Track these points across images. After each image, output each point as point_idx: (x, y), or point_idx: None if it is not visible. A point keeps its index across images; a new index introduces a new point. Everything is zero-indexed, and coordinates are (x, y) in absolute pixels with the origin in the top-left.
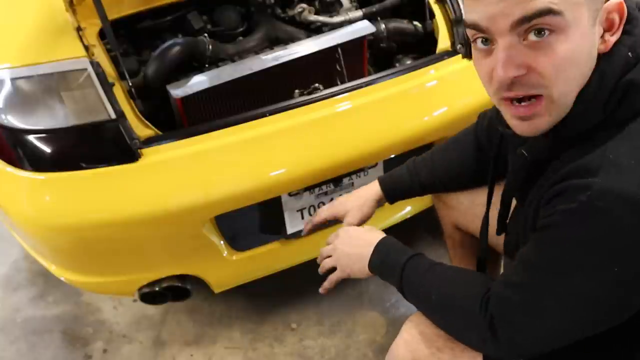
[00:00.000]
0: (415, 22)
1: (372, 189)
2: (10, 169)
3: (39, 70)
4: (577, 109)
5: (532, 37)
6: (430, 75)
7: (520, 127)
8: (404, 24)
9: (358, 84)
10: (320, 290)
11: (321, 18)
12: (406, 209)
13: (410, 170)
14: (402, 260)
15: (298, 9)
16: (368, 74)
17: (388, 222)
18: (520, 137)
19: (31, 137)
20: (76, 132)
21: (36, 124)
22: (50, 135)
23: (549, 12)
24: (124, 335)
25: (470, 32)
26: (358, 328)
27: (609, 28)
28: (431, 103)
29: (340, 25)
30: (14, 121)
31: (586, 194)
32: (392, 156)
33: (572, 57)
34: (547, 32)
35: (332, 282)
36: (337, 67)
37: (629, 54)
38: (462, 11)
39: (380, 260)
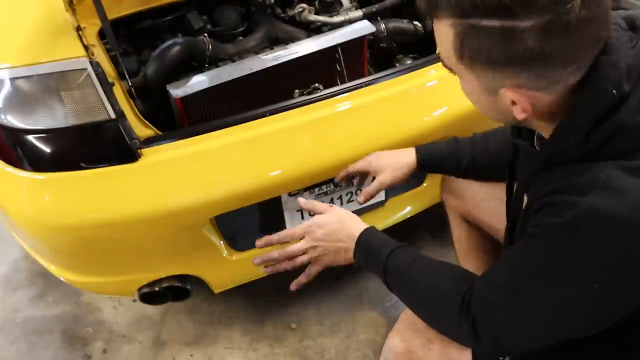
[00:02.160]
0: (415, 22)
1: (408, 155)
2: (10, 169)
3: (38, 70)
4: (552, 139)
5: None
6: (430, 75)
7: None
8: (404, 24)
9: (358, 84)
10: (293, 286)
11: (321, 18)
12: (406, 209)
13: (450, 146)
14: (382, 257)
15: (298, 8)
16: (368, 74)
17: (388, 222)
18: (526, 148)
19: (31, 137)
20: (76, 132)
21: (36, 124)
22: (50, 135)
23: (441, 61)
24: (124, 335)
25: None
26: (358, 328)
27: (515, 105)
28: (431, 103)
29: (340, 25)
30: (13, 121)
31: (574, 211)
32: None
33: (468, 95)
34: None
35: (311, 277)
36: (337, 67)
37: (613, 91)
38: None
39: (363, 255)
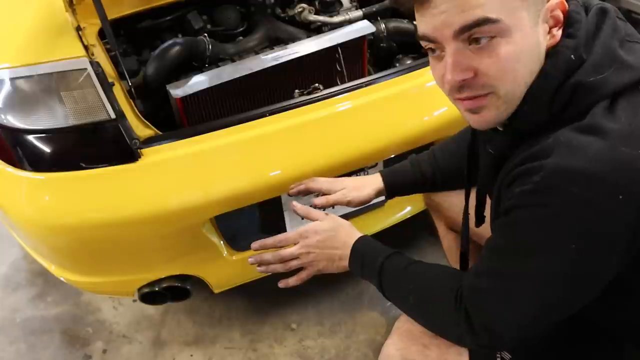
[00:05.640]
0: (415, 22)
1: (373, 178)
2: (10, 169)
3: (38, 70)
4: (522, 108)
5: (475, 42)
6: (430, 75)
7: (472, 120)
8: (404, 24)
9: (358, 84)
10: (281, 284)
11: (321, 18)
12: (406, 209)
13: (413, 164)
14: (377, 263)
15: (298, 8)
16: (368, 74)
17: (388, 222)
18: (487, 135)
19: (31, 137)
20: (76, 132)
21: (36, 124)
22: (49, 135)
23: (486, 21)
24: (124, 335)
25: (423, 44)
26: (358, 328)
27: (555, 24)
28: (431, 103)
29: (340, 25)
30: (13, 121)
31: (539, 174)
32: (392, 156)
33: (516, 58)
34: (488, 38)
35: (301, 281)
36: (337, 67)
37: (572, 56)
38: None
39: (358, 262)
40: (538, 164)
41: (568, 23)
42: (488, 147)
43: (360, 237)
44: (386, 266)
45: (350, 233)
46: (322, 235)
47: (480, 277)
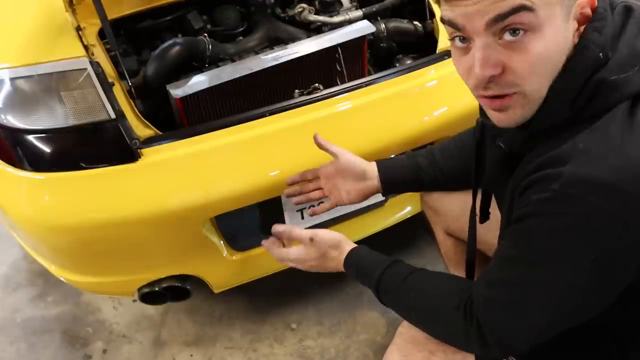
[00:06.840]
0: (415, 22)
1: (371, 174)
2: (9, 169)
3: (38, 70)
4: (546, 105)
5: (507, 36)
6: (430, 75)
7: (497, 118)
8: (404, 24)
9: (358, 84)
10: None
11: (321, 18)
12: (406, 209)
13: (411, 162)
14: (375, 276)
15: (298, 8)
16: (368, 73)
17: (388, 222)
18: (498, 129)
19: (31, 137)
20: (76, 132)
21: (36, 124)
22: (49, 135)
23: (522, 8)
24: (124, 335)
25: (448, 30)
26: (358, 328)
27: (583, 22)
28: (431, 103)
29: (340, 25)
30: (13, 121)
31: (558, 182)
32: (392, 156)
33: (546, 55)
34: (521, 32)
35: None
36: (337, 67)
37: (600, 54)
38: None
39: (355, 277)
40: (555, 172)
41: (594, 17)
42: (498, 140)
43: (347, 255)
44: (383, 279)
45: (339, 250)
46: (313, 262)
47: (491, 287)
